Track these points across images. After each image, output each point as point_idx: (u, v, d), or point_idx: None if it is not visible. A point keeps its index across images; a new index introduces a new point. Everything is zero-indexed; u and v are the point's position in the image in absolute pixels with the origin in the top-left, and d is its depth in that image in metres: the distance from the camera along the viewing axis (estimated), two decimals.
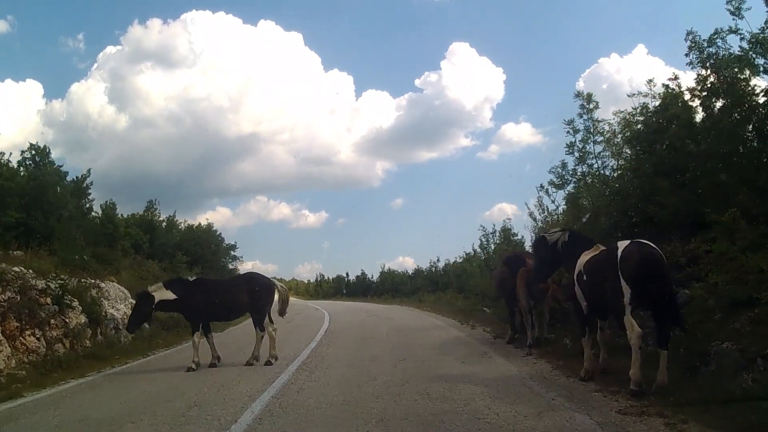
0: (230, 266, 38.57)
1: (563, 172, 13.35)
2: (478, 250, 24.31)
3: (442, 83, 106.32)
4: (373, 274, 51.06)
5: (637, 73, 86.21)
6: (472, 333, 13.47)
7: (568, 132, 13.16)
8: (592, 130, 13.02)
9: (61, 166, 20.38)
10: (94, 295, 12.74)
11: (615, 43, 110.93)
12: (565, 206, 13.92)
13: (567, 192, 13.41)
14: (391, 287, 42.86)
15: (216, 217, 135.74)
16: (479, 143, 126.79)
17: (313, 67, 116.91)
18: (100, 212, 22.81)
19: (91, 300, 12.40)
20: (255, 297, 9.89)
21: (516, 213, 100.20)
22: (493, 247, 21.92)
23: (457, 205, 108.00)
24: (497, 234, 21.76)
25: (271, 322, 10.06)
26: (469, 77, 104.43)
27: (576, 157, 13.12)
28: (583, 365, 7.24)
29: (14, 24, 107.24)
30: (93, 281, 13.36)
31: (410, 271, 44.86)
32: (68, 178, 20.31)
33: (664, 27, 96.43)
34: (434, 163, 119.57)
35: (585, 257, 7.15)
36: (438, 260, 37.41)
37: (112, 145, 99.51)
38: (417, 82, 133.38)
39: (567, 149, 13.14)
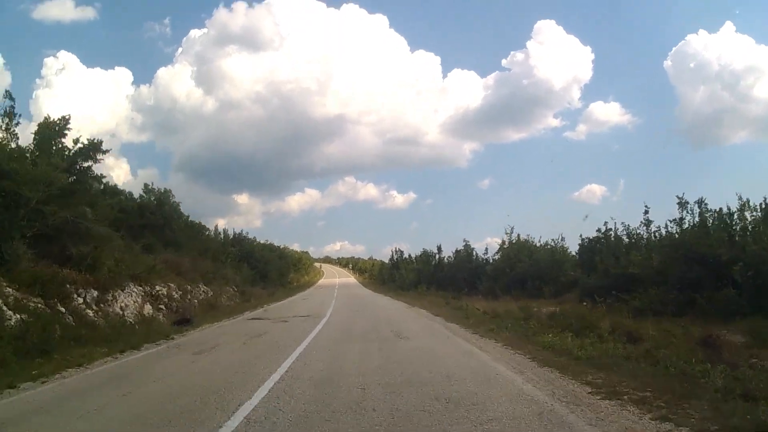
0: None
1: None
2: None
3: (530, 62, 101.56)
4: (487, 250, 34.69)
5: (726, 51, 79.14)
6: None
7: None
8: None
9: None
10: None
11: (703, 19, 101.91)
12: None
13: None
14: (538, 273, 23.87)
15: (305, 198, 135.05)
16: (568, 123, 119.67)
17: (399, 48, 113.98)
18: None
19: None
20: None
21: (605, 194, 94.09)
22: None
23: (546, 186, 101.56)
24: None
25: None
26: (557, 56, 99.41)
27: None
28: None
29: (101, 11, 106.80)
30: None
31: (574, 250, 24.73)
32: None
33: (752, 4, 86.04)
34: (523, 144, 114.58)
35: None
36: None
37: (200, 128, 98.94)
38: (503, 61, 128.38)
39: None
